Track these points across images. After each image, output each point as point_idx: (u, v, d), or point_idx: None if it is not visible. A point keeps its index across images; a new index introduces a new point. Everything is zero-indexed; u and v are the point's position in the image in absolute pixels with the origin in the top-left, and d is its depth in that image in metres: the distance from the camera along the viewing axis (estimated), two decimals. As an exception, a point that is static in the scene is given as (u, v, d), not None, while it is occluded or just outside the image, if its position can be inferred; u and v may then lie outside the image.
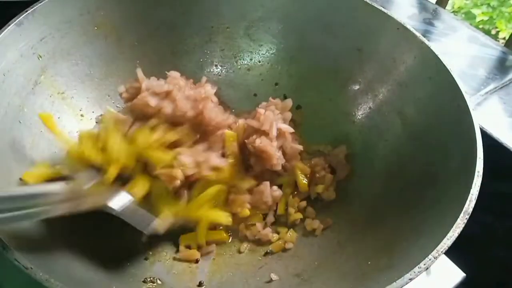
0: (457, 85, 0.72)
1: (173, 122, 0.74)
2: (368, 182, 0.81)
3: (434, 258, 0.55)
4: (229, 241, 0.78)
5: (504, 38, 2.33)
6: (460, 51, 1.21)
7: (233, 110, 0.89)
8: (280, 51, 0.95)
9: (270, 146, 0.76)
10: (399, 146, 0.80)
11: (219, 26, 0.93)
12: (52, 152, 0.76)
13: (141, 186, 0.71)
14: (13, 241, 0.54)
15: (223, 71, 0.96)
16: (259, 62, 0.96)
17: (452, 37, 1.26)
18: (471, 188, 0.61)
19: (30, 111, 0.73)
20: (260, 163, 0.77)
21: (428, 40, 0.79)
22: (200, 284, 0.71)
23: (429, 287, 0.80)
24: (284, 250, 0.77)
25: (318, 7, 0.89)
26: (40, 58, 0.74)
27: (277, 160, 0.77)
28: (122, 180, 0.71)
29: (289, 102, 0.85)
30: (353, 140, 0.86)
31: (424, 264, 0.55)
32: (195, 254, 0.75)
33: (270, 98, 0.85)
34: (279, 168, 0.77)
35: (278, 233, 0.79)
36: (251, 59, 0.96)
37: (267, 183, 0.78)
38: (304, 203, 0.82)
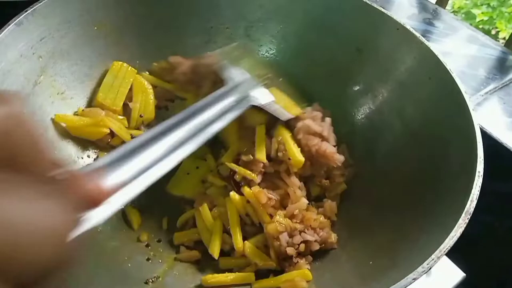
0: (456, 85, 0.72)
1: None
2: (368, 182, 0.81)
3: (437, 258, 0.55)
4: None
5: (504, 38, 2.34)
6: (460, 51, 1.21)
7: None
8: (280, 51, 0.95)
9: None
10: (399, 146, 0.80)
11: (219, 27, 0.93)
12: (53, 153, 0.75)
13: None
14: None
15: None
16: (259, 62, 0.95)
17: (452, 37, 1.25)
18: (472, 188, 0.61)
19: (31, 112, 0.72)
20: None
21: (428, 40, 0.79)
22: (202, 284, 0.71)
23: (429, 287, 0.80)
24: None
25: (317, 7, 0.89)
26: (40, 59, 0.74)
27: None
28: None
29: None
30: (353, 140, 0.86)
31: (428, 264, 0.54)
32: (196, 254, 0.75)
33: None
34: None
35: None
36: (250, 60, 0.95)
37: None
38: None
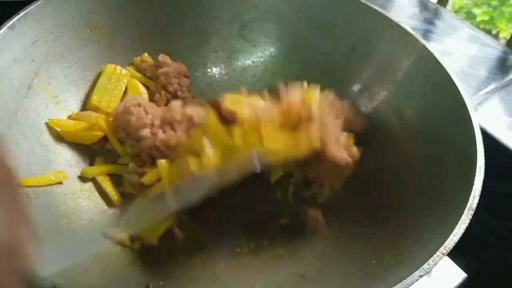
0: (453, 81, 0.72)
1: None
2: (368, 180, 0.81)
3: (442, 254, 0.55)
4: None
5: (505, 38, 2.33)
6: (460, 50, 1.21)
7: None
8: (275, 51, 0.95)
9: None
10: (398, 144, 0.80)
11: (213, 28, 0.93)
12: (48, 156, 0.75)
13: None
14: None
15: (217, 73, 0.95)
16: (253, 63, 0.96)
17: (452, 36, 1.25)
18: (473, 184, 0.61)
19: (25, 116, 0.73)
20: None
21: (429, 40, 0.79)
22: None
23: (430, 288, 0.80)
24: (286, 252, 0.76)
25: (312, 7, 0.89)
26: (33, 62, 0.74)
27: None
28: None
29: None
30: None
31: (433, 261, 0.54)
32: None
33: None
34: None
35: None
36: (245, 60, 0.96)
37: None
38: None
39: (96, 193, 0.77)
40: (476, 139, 0.65)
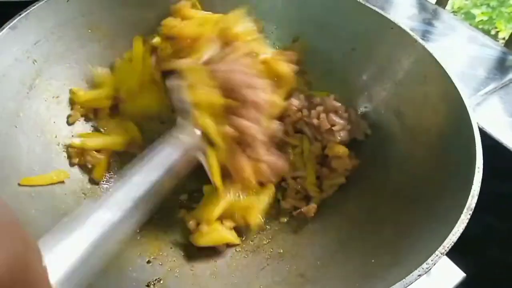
0: (452, 82, 0.72)
1: None
2: (368, 180, 0.81)
3: (441, 253, 0.55)
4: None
5: (503, 38, 2.33)
6: (459, 51, 1.21)
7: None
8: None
9: None
10: (398, 145, 0.80)
11: (213, 28, 0.92)
12: (49, 156, 0.76)
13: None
14: None
15: (218, 73, 0.95)
16: (254, 63, 0.95)
17: (451, 37, 1.25)
18: (472, 184, 0.61)
19: (26, 116, 0.73)
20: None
21: (428, 40, 0.79)
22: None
23: (429, 287, 0.80)
24: (286, 251, 0.76)
25: (312, 7, 0.89)
26: (34, 62, 0.74)
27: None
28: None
29: None
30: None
31: (432, 260, 0.55)
32: None
33: None
34: None
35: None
36: (245, 61, 0.95)
37: None
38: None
39: (98, 193, 0.78)
40: (475, 139, 0.65)
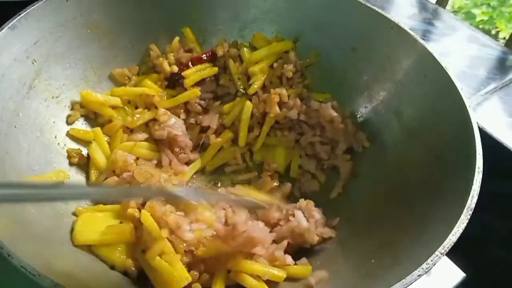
0: (452, 82, 0.72)
1: None
2: (367, 180, 0.81)
3: (441, 254, 0.55)
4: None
5: (504, 38, 2.33)
6: (460, 51, 1.21)
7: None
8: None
9: None
10: (398, 145, 0.80)
11: (213, 28, 0.93)
12: (48, 156, 0.76)
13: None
14: (17, 247, 0.53)
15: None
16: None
17: (452, 37, 1.25)
18: (472, 184, 0.61)
19: (26, 116, 0.73)
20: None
21: (428, 40, 0.79)
22: None
23: (429, 287, 0.80)
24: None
25: (311, 7, 0.89)
26: (34, 62, 0.74)
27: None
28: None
29: None
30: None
31: (432, 261, 0.55)
32: None
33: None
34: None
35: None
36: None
37: None
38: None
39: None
40: (475, 139, 0.65)
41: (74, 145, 0.80)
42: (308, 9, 0.89)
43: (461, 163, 0.66)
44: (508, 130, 0.99)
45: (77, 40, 0.80)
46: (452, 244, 0.56)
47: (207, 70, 0.89)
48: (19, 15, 0.71)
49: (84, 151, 0.81)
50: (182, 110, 0.88)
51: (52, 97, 0.78)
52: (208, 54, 0.89)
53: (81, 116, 0.83)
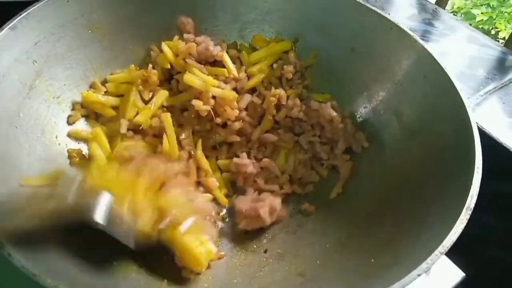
0: (451, 82, 0.72)
1: None
2: (367, 180, 0.82)
3: (440, 253, 0.55)
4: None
5: (503, 38, 2.33)
6: (459, 51, 1.21)
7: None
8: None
9: None
10: (397, 145, 0.80)
11: (213, 29, 0.93)
12: (49, 156, 0.76)
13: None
14: (18, 248, 0.53)
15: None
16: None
17: (451, 37, 1.25)
18: (471, 184, 0.61)
19: (26, 116, 0.73)
20: None
21: (428, 41, 0.79)
22: None
23: (428, 287, 0.80)
24: (285, 251, 0.76)
25: (312, 8, 0.89)
26: (34, 63, 0.74)
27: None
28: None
29: None
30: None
31: (431, 260, 0.55)
32: None
33: None
34: None
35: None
36: (245, 61, 0.95)
37: None
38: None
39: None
40: (475, 140, 0.66)
41: (75, 145, 0.80)
42: (308, 9, 0.89)
43: (460, 163, 0.66)
44: (507, 130, 0.99)
45: (78, 40, 0.80)
46: (452, 243, 0.56)
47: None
48: (20, 15, 0.71)
49: (85, 151, 0.80)
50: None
51: (53, 98, 0.78)
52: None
53: (82, 116, 0.83)
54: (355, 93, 0.87)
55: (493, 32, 2.46)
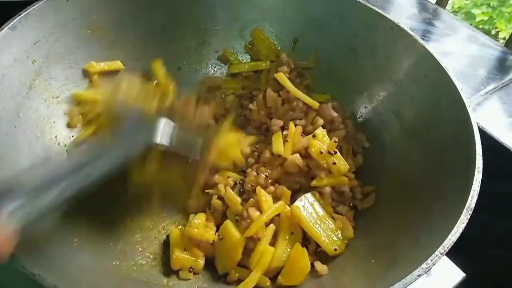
0: (452, 82, 0.72)
1: None
2: (367, 180, 0.81)
3: (441, 254, 0.55)
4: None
5: (504, 38, 2.33)
6: (460, 51, 1.21)
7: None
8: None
9: None
10: (398, 145, 0.80)
11: (213, 28, 0.93)
12: (49, 156, 0.75)
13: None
14: (18, 247, 0.52)
15: (219, 74, 0.96)
16: (254, 63, 0.95)
17: (452, 37, 1.25)
18: (472, 184, 0.61)
19: (26, 116, 0.73)
20: None
21: (428, 40, 0.79)
22: None
23: (429, 287, 0.80)
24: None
25: (312, 8, 0.89)
26: (34, 62, 0.74)
27: None
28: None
29: None
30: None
31: (432, 260, 0.55)
32: None
33: None
34: None
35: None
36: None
37: None
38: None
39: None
40: (475, 139, 0.65)
41: (74, 145, 0.80)
42: (308, 9, 0.89)
43: (461, 163, 0.66)
44: (507, 130, 0.99)
45: (77, 40, 0.80)
46: (452, 244, 0.56)
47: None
48: (19, 15, 0.71)
49: (85, 151, 0.80)
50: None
51: (52, 97, 0.78)
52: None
53: (81, 115, 0.82)
54: (356, 93, 0.88)
55: (493, 32, 2.46)
